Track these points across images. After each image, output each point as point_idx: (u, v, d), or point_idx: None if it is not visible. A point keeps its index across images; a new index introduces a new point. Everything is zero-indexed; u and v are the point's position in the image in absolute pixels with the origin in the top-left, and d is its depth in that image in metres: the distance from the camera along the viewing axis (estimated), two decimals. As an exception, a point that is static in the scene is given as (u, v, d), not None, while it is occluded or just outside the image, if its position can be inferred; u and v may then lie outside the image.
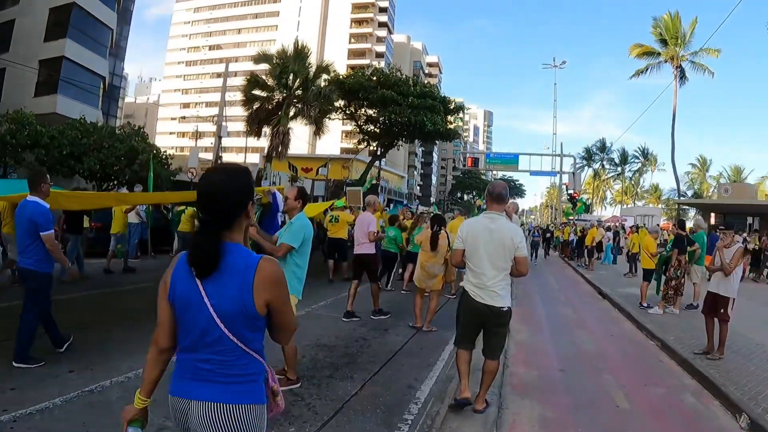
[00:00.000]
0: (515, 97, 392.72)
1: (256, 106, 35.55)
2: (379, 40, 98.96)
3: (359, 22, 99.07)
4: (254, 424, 2.17)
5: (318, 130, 36.33)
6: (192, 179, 29.81)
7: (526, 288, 16.49)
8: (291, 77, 34.74)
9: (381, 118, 39.68)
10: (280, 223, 8.63)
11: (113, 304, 10.26)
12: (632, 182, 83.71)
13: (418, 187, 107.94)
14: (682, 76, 44.58)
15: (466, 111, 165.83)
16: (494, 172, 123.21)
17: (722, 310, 8.06)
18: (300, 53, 35.07)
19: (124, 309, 9.46)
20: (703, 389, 7.10)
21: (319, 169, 43.37)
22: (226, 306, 2.10)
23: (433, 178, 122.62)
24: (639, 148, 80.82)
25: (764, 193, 47.17)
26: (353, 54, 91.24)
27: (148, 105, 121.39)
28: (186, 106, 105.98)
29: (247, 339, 2.15)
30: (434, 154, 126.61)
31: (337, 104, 39.07)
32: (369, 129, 42.00)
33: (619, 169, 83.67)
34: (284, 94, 34.62)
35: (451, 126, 43.76)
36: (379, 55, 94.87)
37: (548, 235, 36.29)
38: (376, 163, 47.84)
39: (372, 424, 5.06)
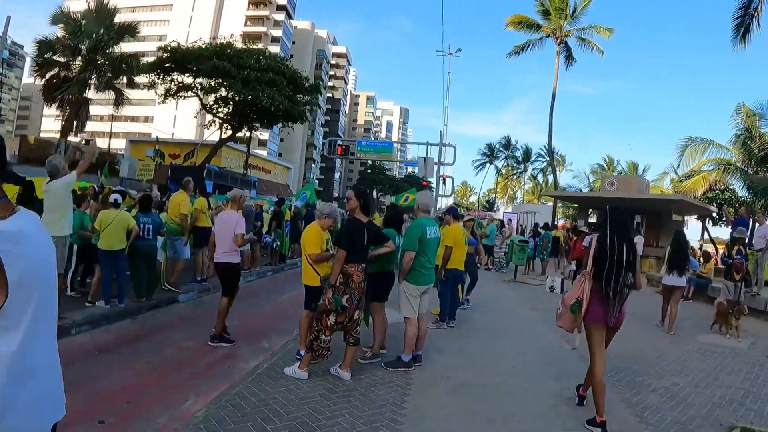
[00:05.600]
0: (437, 98, 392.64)
1: (51, 73, 30.32)
2: (277, 24, 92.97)
3: (256, 4, 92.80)
4: None
5: (117, 101, 30.97)
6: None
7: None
8: (90, 40, 29.49)
9: (214, 95, 33.96)
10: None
11: None
12: (540, 181, 79.87)
13: (317, 181, 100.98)
14: (568, 55, 39.92)
15: (378, 107, 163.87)
16: (407, 168, 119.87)
17: None
18: (100, 12, 29.66)
19: None
20: None
21: (187, 155, 40.06)
22: None
23: (336, 173, 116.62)
24: (544, 147, 76.88)
25: (659, 190, 42.79)
26: (248, 38, 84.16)
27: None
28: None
29: None
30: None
31: (185, 79, 34.36)
32: (216, 108, 35.91)
33: (522, 167, 79.63)
34: (70, 59, 29.80)
35: (308, 107, 37.80)
36: (275, 40, 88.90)
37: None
38: (224, 145, 41.98)
39: None
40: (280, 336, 8.42)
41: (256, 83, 31.62)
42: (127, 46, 31.80)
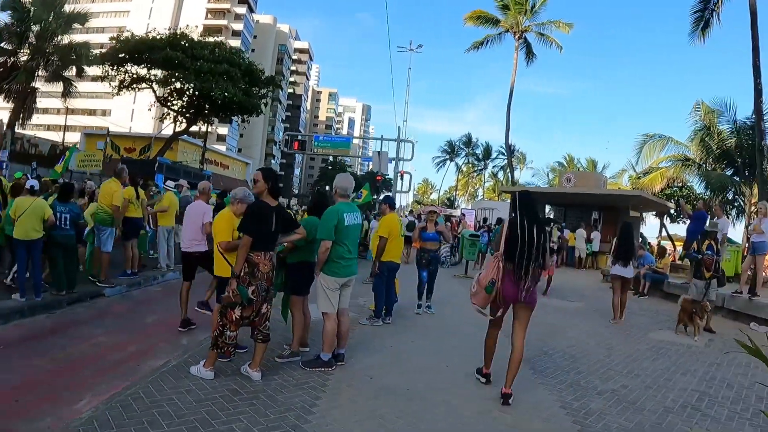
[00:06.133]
0: (400, 95, 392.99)
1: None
2: (238, 17, 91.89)
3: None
4: None
5: (65, 92, 30.08)
6: None
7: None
8: (38, 27, 28.76)
9: (169, 87, 33.21)
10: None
11: None
12: (501, 179, 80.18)
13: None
14: (528, 51, 40.15)
15: (340, 103, 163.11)
16: (368, 165, 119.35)
17: None
18: (49, -1, 28.64)
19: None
20: None
21: (143, 149, 37.73)
22: None
23: (297, 170, 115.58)
24: (504, 145, 77.52)
25: (618, 187, 43.07)
26: (208, 31, 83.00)
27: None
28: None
29: None
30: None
31: (139, 70, 33.54)
32: (171, 100, 35.17)
33: (482, 164, 79.90)
34: (17, 46, 28.83)
35: (264, 100, 37.13)
36: (236, 34, 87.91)
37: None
38: (181, 139, 41.13)
39: None
40: (204, 332, 7.89)
41: (209, 75, 31.00)
42: (83, 37, 30.94)
